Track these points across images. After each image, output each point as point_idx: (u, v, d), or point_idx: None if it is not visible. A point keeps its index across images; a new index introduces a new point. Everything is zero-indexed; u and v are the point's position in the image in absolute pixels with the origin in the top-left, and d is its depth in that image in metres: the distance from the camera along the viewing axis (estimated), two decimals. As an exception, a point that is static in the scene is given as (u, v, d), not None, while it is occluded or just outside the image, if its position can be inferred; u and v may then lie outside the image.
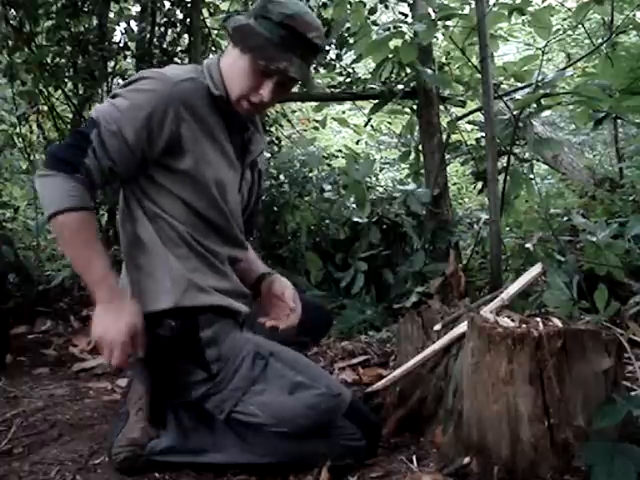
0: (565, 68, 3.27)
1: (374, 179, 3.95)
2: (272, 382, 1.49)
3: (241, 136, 1.62)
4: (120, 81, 3.68)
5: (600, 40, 3.42)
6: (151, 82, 1.45)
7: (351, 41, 3.63)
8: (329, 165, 4.04)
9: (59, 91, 3.57)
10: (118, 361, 1.43)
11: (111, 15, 3.70)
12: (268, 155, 3.81)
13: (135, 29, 3.74)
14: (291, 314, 1.64)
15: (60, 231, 1.43)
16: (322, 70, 4.04)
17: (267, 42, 1.44)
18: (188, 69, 1.56)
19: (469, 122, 3.57)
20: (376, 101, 3.41)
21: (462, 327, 1.59)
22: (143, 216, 1.51)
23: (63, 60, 3.45)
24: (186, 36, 3.72)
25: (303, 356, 1.61)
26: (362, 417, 1.55)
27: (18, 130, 3.67)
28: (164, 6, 3.74)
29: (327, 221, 3.51)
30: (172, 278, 1.48)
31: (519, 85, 3.09)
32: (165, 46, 3.71)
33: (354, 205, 3.32)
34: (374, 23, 3.41)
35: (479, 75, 2.61)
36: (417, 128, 3.48)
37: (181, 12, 3.70)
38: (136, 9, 3.97)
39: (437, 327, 1.72)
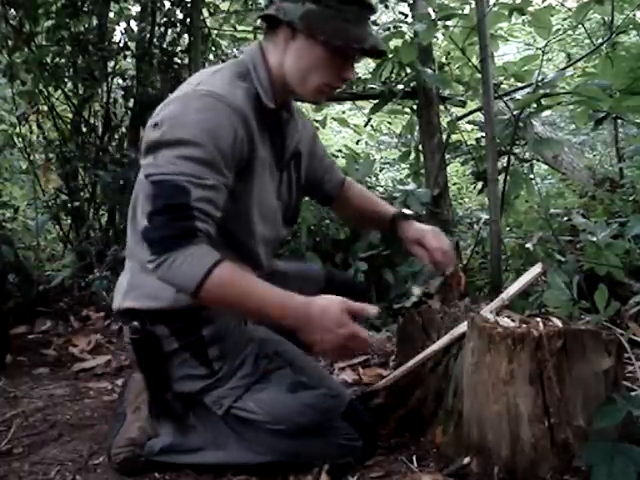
0: (565, 68, 3.27)
1: (374, 179, 3.96)
2: (273, 381, 1.49)
3: (280, 138, 1.54)
4: (120, 81, 3.69)
5: (600, 40, 3.42)
6: (210, 113, 1.32)
7: (351, 41, 3.62)
8: (329, 165, 4.03)
9: (59, 91, 3.57)
10: (364, 343, 1.36)
11: (111, 15, 3.69)
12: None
13: (135, 29, 3.74)
14: (441, 258, 1.68)
15: (218, 292, 1.31)
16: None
17: (345, 23, 1.37)
18: (233, 73, 1.43)
19: (469, 122, 3.58)
20: (376, 101, 3.41)
21: (462, 327, 1.59)
22: None
23: (63, 60, 3.45)
24: (186, 36, 3.72)
25: (305, 355, 1.59)
26: (359, 418, 1.54)
27: (18, 130, 3.67)
28: (164, 6, 3.73)
29: (327, 221, 3.51)
30: None
31: (519, 85, 3.09)
32: (165, 46, 3.70)
33: (354, 205, 3.32)
34: (374, 23, 3.41)
35: (479, 75, 2.61)
36: (417, 128, 3.48)
37: (181, 12, 3.70)
38: (136, 9, 3.96)
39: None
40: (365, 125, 4.23)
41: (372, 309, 1.35)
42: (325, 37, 1.36)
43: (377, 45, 1.42)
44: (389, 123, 5.40)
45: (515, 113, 2.73)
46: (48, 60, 3.40)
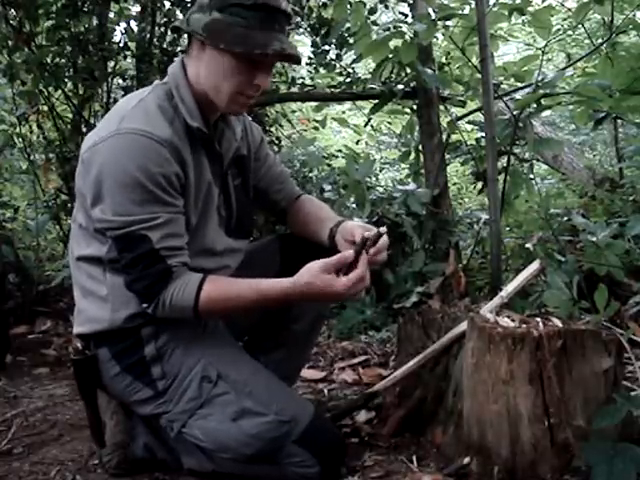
0: (565, 68, 3.27)
1: (374, 179, 3.95)
2: (217, 407, 1.44)
3: (215, 151, 1.52)
4: (120, 81, 3.69)
5: (600, 40, 3.42)
6: (139, 152, 1.34)
7: (351, 41, 3.63)
8: (329, 165, 4.03)
9: (59, 91, 3.57)
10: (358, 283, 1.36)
11: (111, 15, 3.69)
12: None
13: (135, 29, 3.74)
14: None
15: (214, 306, 1.40)
16: (322, 70, 4.03)
17: (247, 29, 1.35)
18: (156, 99, 1.43)
19: (469, 122, 3.57)
20: (376, 101, 3.41)
21: (462, 327, 1.59)
22: (95, 240, 1.45)
23: (63, 60, 3.44)
24: (186, 36, 3.71)
25: (261, 371, 1.51)
26: (318, 442, 1.43)
27: (18, 130, 3.67)
28: (164, 6, 3.73)
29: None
30: (108, 299, 1.45)
31: (519, 85, 3.08)
32: (165, 46, 3.70)
33: (354, 205, 3.32)
34: (374, 23, 3.40)
35: (479, 75, 2.60)
36: (417, 128, 3.48)
37: (181, 12, 3.69)
38: (136, 9, 3.96)
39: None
40: (365, 125, 4.22)
41: (348, 253, 1.36)
42: (225, 45, 1.35)
43: (283, 50, 1.36)
44: (389, 123, 5.39)
45: (515, 113, 2.72)
46: (48, 60, 3.40)
